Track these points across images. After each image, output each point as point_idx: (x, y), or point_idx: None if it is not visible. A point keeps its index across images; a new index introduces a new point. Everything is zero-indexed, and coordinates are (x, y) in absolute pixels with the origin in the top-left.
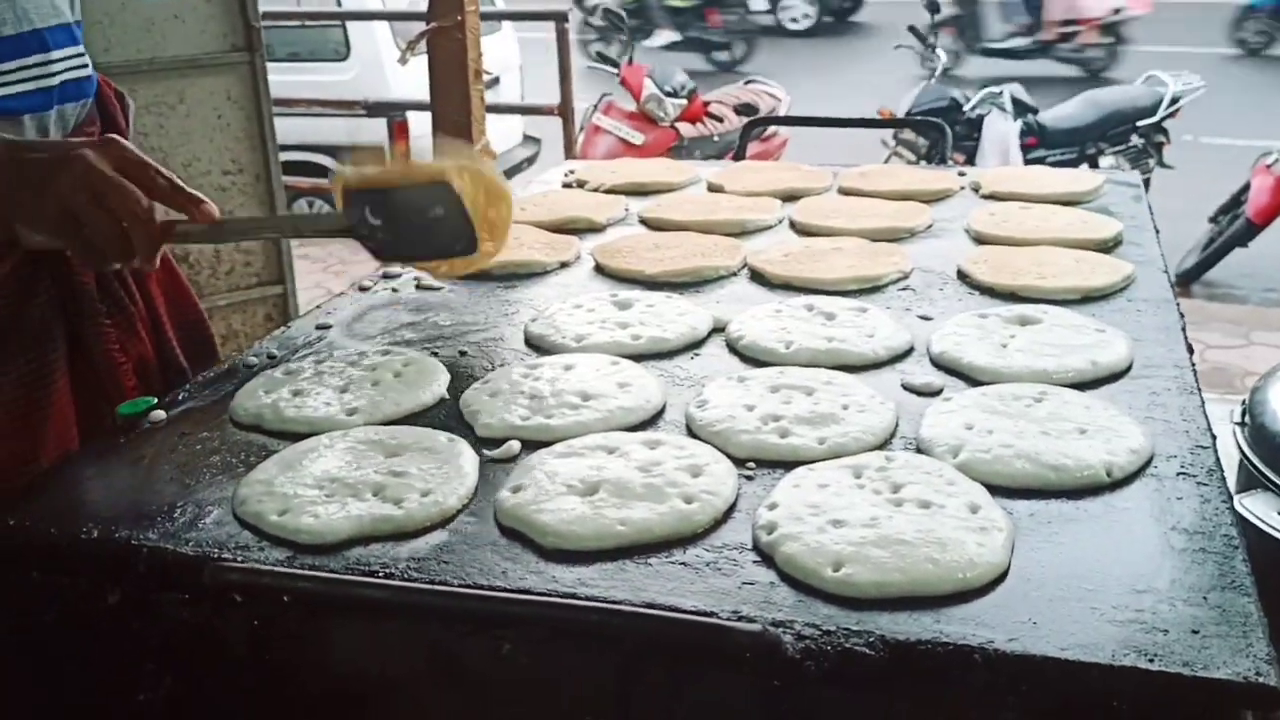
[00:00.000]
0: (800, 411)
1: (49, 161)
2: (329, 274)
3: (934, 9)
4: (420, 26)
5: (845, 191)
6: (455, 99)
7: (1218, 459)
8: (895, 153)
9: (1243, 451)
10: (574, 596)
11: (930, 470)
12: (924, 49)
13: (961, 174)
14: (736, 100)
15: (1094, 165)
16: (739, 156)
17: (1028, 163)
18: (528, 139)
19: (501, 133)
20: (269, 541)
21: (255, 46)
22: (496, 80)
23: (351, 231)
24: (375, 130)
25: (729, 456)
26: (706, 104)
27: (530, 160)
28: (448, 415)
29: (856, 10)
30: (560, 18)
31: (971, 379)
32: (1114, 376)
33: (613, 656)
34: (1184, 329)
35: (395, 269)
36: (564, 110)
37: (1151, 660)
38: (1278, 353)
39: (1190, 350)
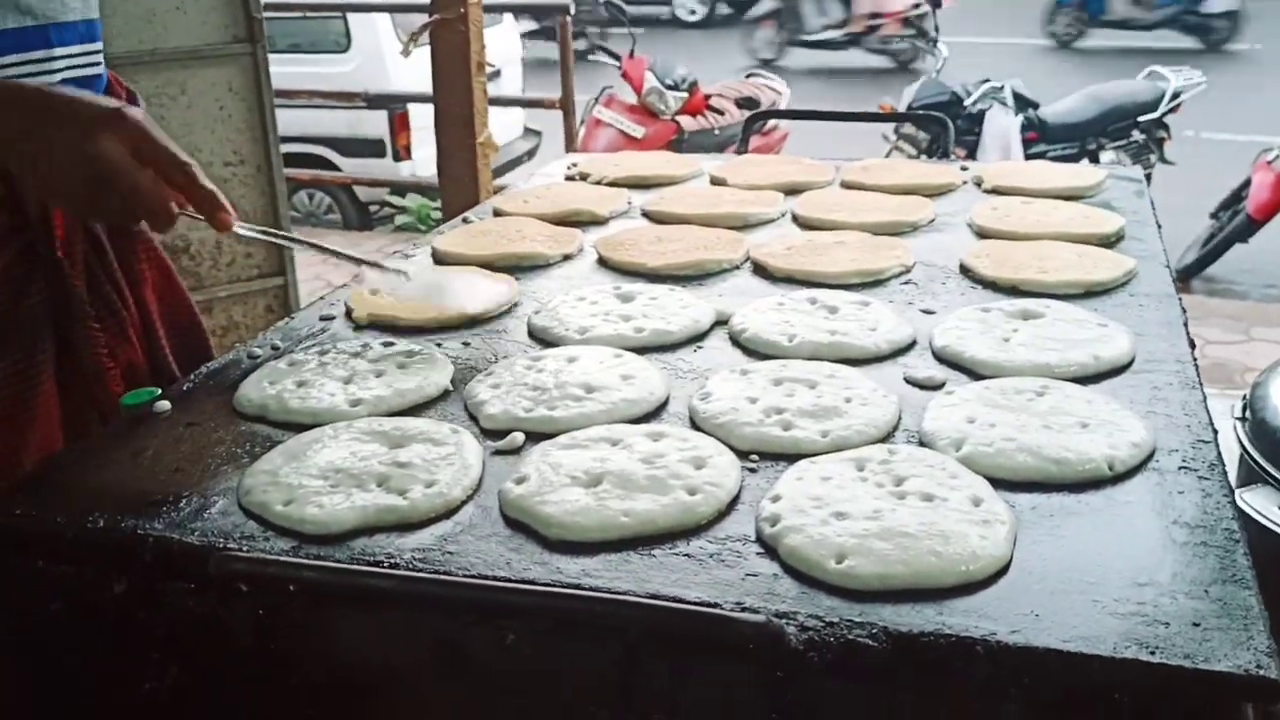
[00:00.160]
0: (803, 404)
1: (66, 141)
2: (328, 266)
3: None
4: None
5: (848, 185)
6: (458, 91)
7: (1219, 453)
8: (896, 147)
9: (1243, 446)
10: (578, 587)
11: (933, 463)
12: (924, 44)
13: (964, 169)
14: (737, 94)
15: (1095, 161)
16: (741, 150)
17: (1028, 158)
18: (528, 132)
19: (502, 125)
20: (274, 532)
21: (257, 37)
22: (498, 73)
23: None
24: (376, 122)
25: (732, 449)
26: (707, 97)
27: (531, 153)
28: (452, 407)
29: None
30: (562, 10)
31: (974, 373)
32: (1116, 371)
33: (616, 647)
34: (1186, 324)
35: (397, 261)
36: (565, 103)
37: (1153, 653)
38: (1278, 348)
39: (1192, 345)
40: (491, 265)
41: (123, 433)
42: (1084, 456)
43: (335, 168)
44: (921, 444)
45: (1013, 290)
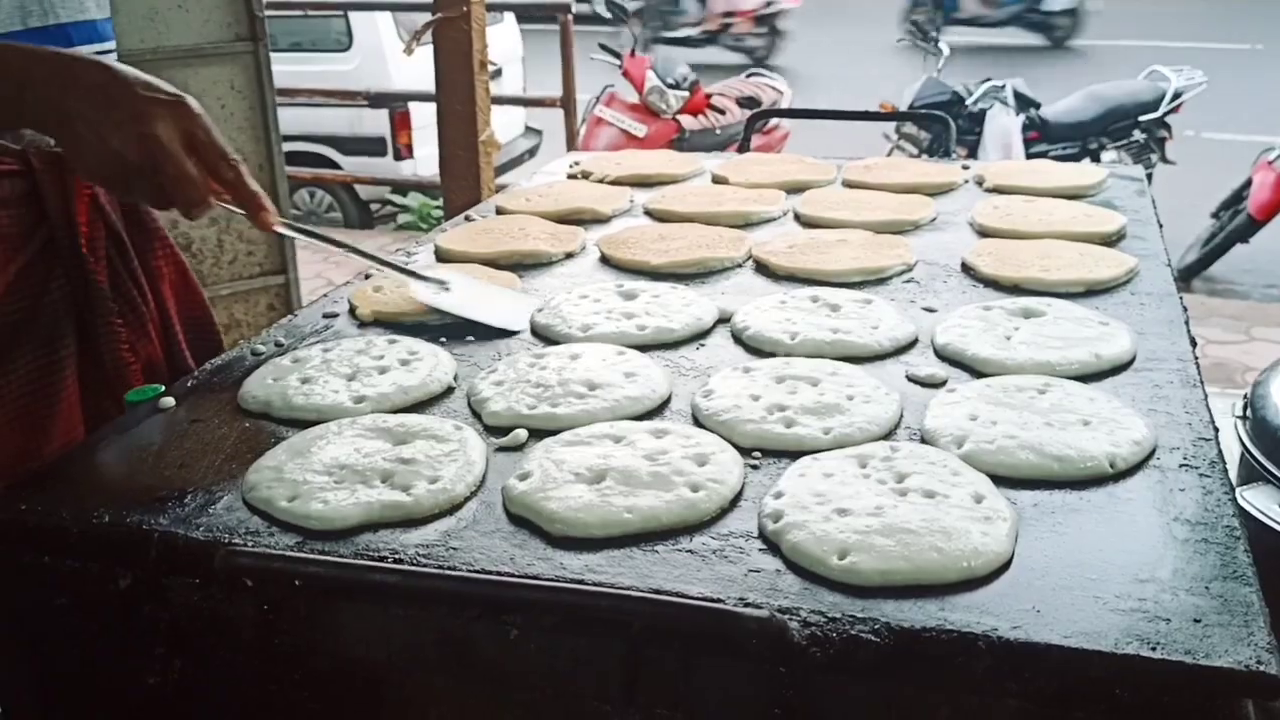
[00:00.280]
0: (805, 402)
1: (121, 120)
2: (329, 264)
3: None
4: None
5: (849, 184)
6: (460, 90)
7: (1220, 451)
8: (897, 146)
9: (1244, 445)
10: (582, 583)
11: (935, 460)
12: (926, 43)
13: (965, 167)
14: (739, 93)
15: (1096, 160)
16: (743, 148)
17: (1030, 157)
18: (530, 131)
19: (504, 124)
20: (279, 527)
21: (259, 36)
22: (499, 71)
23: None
24: (377, 121)
25: (735, 446)
26: (709, 96)
27: (532, 152)
28: (455, 404)
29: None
30: (563, 9)
31: (975, 371)
32: (1117, 369)
33: (620, 643)
34: (1187, 322)
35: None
36: (566, 102)
37: (1154, 648)
38: (1278, 348)
39: (1193, 343)
40: (494, 263)
41: (128, 429)
42: (1085, 454)
43: (336, 166)
44: (923, 441)
45: (1014, 289)
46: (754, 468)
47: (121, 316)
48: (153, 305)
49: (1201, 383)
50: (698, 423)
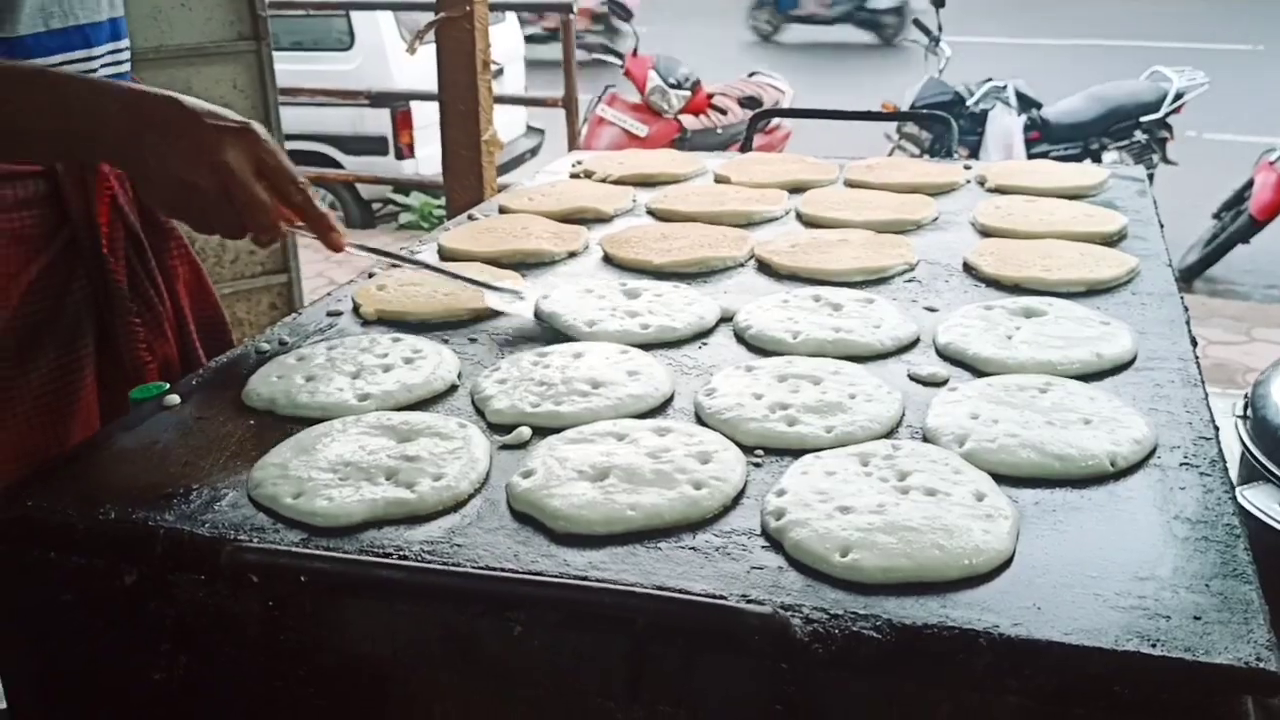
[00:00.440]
0: (808, 400)
1: (191, 151)
2: (331, 264)
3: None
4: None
5: (852, 184)
6: (463, 89)
7: (1220, 450)
8: (898, 146)
9: (1244, 445)
10: (585, 579)
11: (937, 459)
12: (929, 43)
13: (967, 167)
14: (740, 93)
15: (1097, 160)
16: (745, 148)
17: (1031, 157)
18: (531, 130)
19: (505, 124)
20: (284, 524)
21: (262, 35)
22: (501, 71)
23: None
24: (378, 120)
25: (737, 444)
26: (710, 96)
27: (533, 152)
28: (459, 402)
29: None
30: (565, 9)
31: (977, 370)
32: (1118, 368)
33: (623, 639)
34: (1188, 322)
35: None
36: (568, 102)
37: (1154, 645)
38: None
39: (1194, 343)
40: (497, 262)
41: (133, 426)
42: (1086, 452)
43: (338, 165)
44: (925, 440)
45: (1016, 288)
46: (756, 466)
47: (139, 316)
48: (169, 305)
49: (1202, 382)
50: (700, 421)
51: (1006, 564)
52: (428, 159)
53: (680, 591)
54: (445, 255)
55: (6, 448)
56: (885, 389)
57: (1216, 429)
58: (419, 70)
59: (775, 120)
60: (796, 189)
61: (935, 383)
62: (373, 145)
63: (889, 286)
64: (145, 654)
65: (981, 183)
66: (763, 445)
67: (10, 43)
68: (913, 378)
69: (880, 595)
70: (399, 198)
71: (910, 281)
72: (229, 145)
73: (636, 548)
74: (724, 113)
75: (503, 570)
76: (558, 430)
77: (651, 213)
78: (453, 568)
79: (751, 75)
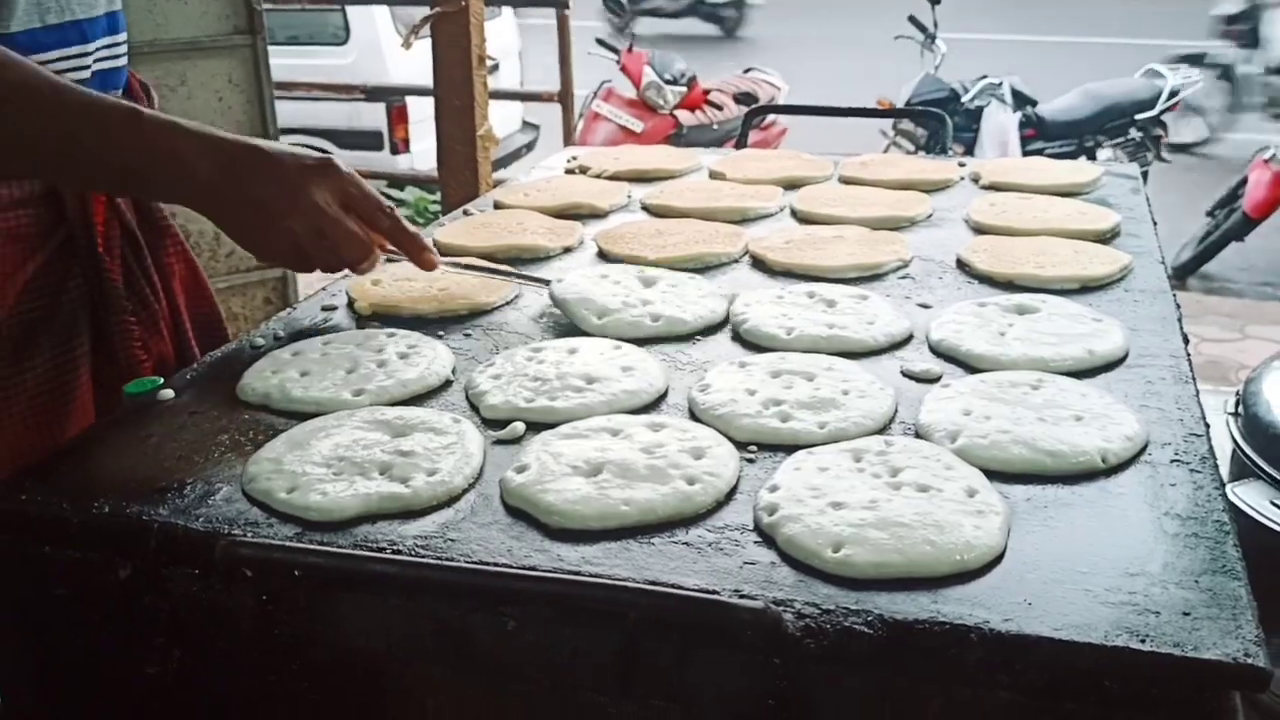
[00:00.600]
0: (801, 396)
1: (281, 196)
2: None
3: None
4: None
5: (846, 180)
6: (458, 84)
7: (1211, 447)
8: (894, 143)
9: (1236, 442)
10: (578, 574)
11: (929, 455)
12: (924, 39)
13: (961, 164)
14: (736, 89)
15: (1091, 158)
16: (740, 144)
17: (1026, 154)
18: (526, 125)
19: (501, 119)
20: (277, 518)
21: (257, 29)
22: (496, 66)
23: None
24: (373, 115)
25: (731, 440)
26: (706, 92)
27: (529, 147)
28: (453, 397)
29: None
30: (561, 4)
31: (970, 366)
32: (1110, 365)
33: (616, 634)
34: (1180, 319)
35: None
36: (564, 97)
37: (1143, 641)
38: (1272, 346)
39: (1186, 340)
40: (492, 257)
41: (127, 420)
42: (1078, 449)
43: None
44: (918, 436)
45: (1009, 285)
46: (750, 461)
47: (135, 314)
48: (164, 304)
49: (1194, 379)
50: (694, 417)
51: (998, 560)
52: (423, 154)
53: (673, 586)
54: (440, 250)
55: (2, 447)
56: (878, 385)
57: (1207, 426)
58: (414, 65)
59: (771, 116)
60: (791, 185)
61: (928, 379)
62: (368, 140)
63: (883, 283)
64: (140, 648)
65: (976, 180)
66: (756, 441)
67: (4, 39)
68: (906, 374)
69: (872, 590)
70: (394, 192)
71: (904, 278)
72: (314, 184)
73: (630, 543)
74: (719, 109)
75: (496, 565)
76: (552, 425)
77: (646, 209)
78: (446, 563)
79: (747, 71)
